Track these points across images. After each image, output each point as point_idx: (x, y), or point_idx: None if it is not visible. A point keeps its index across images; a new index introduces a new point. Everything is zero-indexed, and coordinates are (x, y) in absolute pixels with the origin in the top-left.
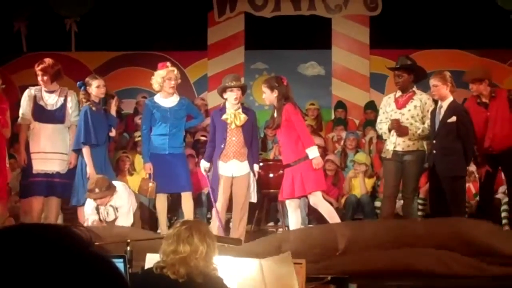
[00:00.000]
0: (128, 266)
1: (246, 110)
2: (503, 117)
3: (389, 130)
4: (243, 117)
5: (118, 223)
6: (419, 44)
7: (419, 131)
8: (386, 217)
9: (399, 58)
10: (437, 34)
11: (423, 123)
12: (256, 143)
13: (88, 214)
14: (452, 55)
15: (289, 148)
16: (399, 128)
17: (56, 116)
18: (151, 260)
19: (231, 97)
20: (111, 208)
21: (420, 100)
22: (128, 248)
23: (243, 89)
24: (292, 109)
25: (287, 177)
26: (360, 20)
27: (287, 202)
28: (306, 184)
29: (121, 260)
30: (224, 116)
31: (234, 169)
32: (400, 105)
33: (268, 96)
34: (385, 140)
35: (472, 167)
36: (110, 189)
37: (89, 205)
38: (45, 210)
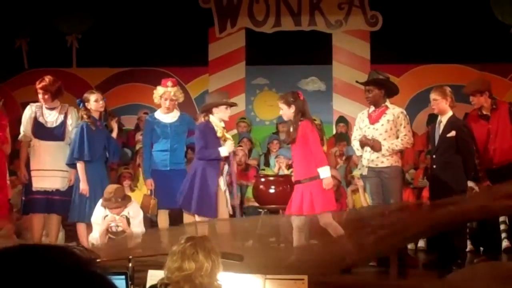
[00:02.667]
0: (130, 282)
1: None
2: (504, 130)
3: (362, 147)
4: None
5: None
6: (420, 58)
7: (392, 146)
8: None
9: (370, 73)
10: (437, 49)
11: (397, 137)
12: None
13: (96, 223)
14: (452, 69)
15: (301, 164)
16: (366, 142)
17: (56, 134)
18: (153, 276)
19: (225, 114)
20: (123, 218)
21: (393, 114)
22: (130, 265)
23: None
24: (309, 126)
25: (296, 194)
26: (360, 35)
27: (292, 217)
28: (315, 204)
29: (123, 277)
30: (219, 133)
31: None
32: (373, 120)
33: (285, 112)
34: (359, 156)
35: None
36: (126, 199)
37: (98, 214)
38: (45, 227)
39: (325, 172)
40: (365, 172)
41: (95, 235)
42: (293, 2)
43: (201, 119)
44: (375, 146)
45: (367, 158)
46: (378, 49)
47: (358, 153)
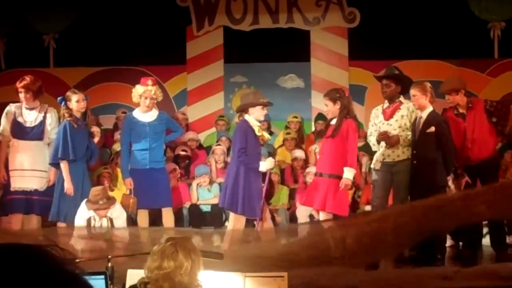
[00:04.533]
0: (109, 282)
1: None
2: (481, 128)
3: (378, 142)
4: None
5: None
6: (398, 55)
7: (409, 137)
8: None
9: (387, 68)
10: (415, 45)
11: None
12: None
13: (79, 226)
14: (430, 65)
15: (329, 159)
16: (388, 139)
17: (35, 133)
18: (133, 276)
19: (261, 114)
20: (106, 220)
21: (407, 109)
22: (109, 264)
23: None
24: (353, 125)
25: (312, 185)
26: (338, 32)
27: (298, 209)
28: (328, 202)
29: (102, 276)
30: (258, 133)
31: None
32: (388, 116)
33: (330, 108)
34: (375, 151)
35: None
36: (111, 200)
37: (81, 216)
38: (25, 228)
39: (349, 174)
40: (378, 166)
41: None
42: (270, 0)
43: (236, 119)
44: (393, 141)
45: (383, 153)
46: (356, 46)
47: (374, 148)
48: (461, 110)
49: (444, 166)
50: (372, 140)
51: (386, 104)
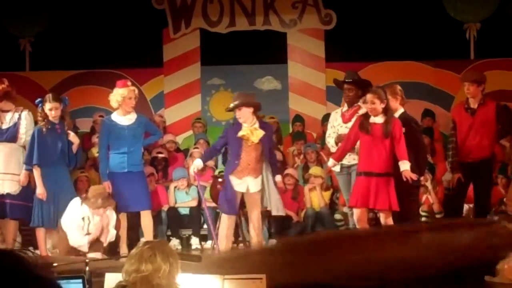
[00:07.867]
0: (87, 286)
1: (264, 124)
2: (485, 127)
3: (336, 144)
4: (259, 133)
5: (106, 235)
6: (374, 56)
7: None
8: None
9: (347, 72)
10: (391, 46)
11: None
12: (274, 155)
13: (73, 227)
14: (407, 66)
15: (379, 158)
16: (341, 141)
17: (8, 136)
18: (111, 280)
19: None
20: (99, 219)
21: None
22: (87, 268)
23: (256, 107)
24: (400, 125)
25: (360, 185)
26: (315, 34)
27: (351, 212)
28: (391, 199)
29: (80, 280)
30: (240, 133)
31: (249, 185)
32: (346, 119)
33: (376, 107)
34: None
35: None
36: (109, 200)
37: (75, 216)
38: (1, 233)
39: (406, 165)
40: (338, 169)
41: (77, 239)
42: (247, 2)
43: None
44: None
45: None
46: (333, 48)
47: (332, 150)
48: (472, 106)
49: (416, 167)
50: (330, 141)
51: (346, 107)
